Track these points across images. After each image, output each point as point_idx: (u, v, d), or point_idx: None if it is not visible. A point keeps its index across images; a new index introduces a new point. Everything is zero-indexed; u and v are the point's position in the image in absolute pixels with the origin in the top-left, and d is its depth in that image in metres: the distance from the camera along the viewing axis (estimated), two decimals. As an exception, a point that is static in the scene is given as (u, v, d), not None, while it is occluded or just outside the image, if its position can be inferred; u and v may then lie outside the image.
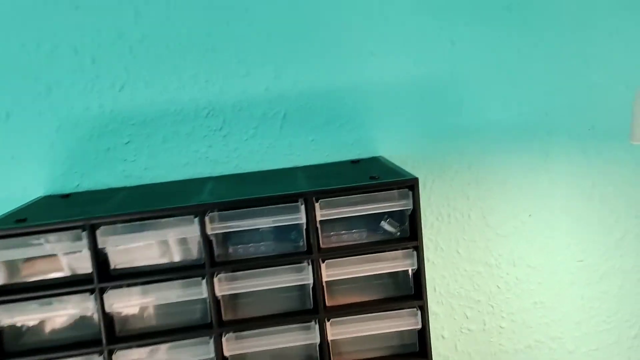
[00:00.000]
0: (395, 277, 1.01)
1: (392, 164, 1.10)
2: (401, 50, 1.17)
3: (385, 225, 0.99)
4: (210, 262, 0.93)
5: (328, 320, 0.96)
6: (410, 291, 1.00)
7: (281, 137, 1.17)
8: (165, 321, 0.96)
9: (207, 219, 0.91)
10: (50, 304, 0.91)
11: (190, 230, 0.92)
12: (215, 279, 0.93)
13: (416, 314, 0.97)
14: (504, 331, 1.31)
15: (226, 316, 0.96)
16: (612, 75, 1.23)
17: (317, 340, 0.95)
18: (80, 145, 1.12)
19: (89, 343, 0.92)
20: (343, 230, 0.99)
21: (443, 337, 1.29)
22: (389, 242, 0.98)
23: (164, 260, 0.95)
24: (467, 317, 1.29)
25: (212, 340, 0.94)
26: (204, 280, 0.93)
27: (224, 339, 0.94)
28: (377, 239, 0.98)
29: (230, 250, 0.97)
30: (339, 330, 0.97)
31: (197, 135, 1.15)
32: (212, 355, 0.94)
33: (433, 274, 1.26)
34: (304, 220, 0.93)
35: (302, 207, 0.93)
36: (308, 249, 0.95)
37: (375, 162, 1.14)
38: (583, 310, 1.32)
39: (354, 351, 1.00)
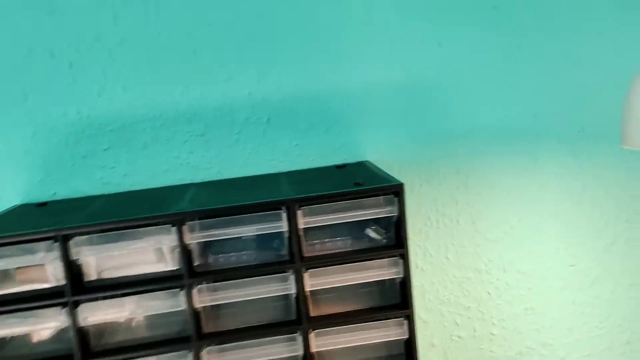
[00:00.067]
0: (382, 285, 0.98)
1: (378, 168, 1.08)
2: (387, 52, 1.14)
3: (371, 232, 0.97)
4: (188, 272, 0.90)
5: (313, 331, 0.93)
6: (397, 299, 0.97)
7: (265, 142, 1.14)
8: (143, 334, 0.93)
9: (186, 227, 0.88)
10: (25, 317, 0.88)
11: (168, 240, 0.89)
12: (195, 290, 0.90)
13: (403, 324, 0.95)
14: (495, 338, 1.28)
15: (207, 328, 0.93)
16: (601, 76, 1.21)
17: (301, 352, 0.92)
18: (57, 152, 1.09)
19: (61, 359, 0.89)
20: (327, 238, 0.96)
21: (433, 345, 1.26)
22: (374, 249, 0.95)
23: (141, 271, 0.92)
24: (457, 324, 1.26)
25: (191, 354, 0.91)
26: (183, 292, 0.90)
27: (204, 352, 0.91)
28: (362, 247, 0.96)
29: (211, 259, 0.94)
30: (323, 342, 0.94)
31: (177, 140, 1.12)
32: (192, 369, 0.91)
33: (422, 281, 1.23)
34: (286, 228, 0.91)
35: (284, 215, 0.90)
36: (291, 257, 0.92)
37: (361, 167, 1.11)
38: (574, 315, 1.30)
39: (339, 363, 0.98)
